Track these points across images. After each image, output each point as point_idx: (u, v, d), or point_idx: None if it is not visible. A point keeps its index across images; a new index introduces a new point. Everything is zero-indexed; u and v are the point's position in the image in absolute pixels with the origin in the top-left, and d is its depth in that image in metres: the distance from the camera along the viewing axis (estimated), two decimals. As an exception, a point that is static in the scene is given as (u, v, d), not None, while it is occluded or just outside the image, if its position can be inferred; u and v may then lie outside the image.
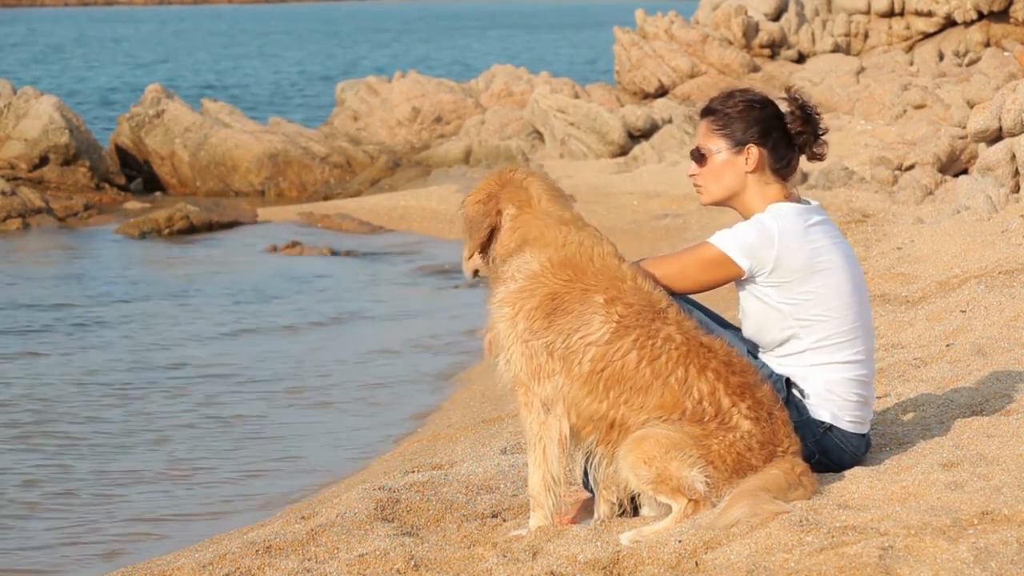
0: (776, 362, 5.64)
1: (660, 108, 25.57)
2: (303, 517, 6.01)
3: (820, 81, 25.96)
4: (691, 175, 5.77)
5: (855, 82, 25.66)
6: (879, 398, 6.75)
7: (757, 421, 5.27)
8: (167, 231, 19.84)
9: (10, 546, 8.07)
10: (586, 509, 5.61)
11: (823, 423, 5.61)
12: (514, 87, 28.45)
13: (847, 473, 5.52)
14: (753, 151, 5.64)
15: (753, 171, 5.65)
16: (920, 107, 22.38)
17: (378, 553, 5.29)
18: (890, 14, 30.22)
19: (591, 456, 5.36)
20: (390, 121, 27.53)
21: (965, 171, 16.11)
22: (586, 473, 5.49)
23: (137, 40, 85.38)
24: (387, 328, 14.14)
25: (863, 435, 5.71)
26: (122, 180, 24.49)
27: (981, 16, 29.32)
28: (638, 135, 23.91)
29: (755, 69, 28.58)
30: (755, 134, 5.64)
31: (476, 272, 5.60)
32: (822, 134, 5.72)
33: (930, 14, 29.81)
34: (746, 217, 5.66)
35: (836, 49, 29.88)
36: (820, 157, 5.73)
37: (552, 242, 5.41)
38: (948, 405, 6.51)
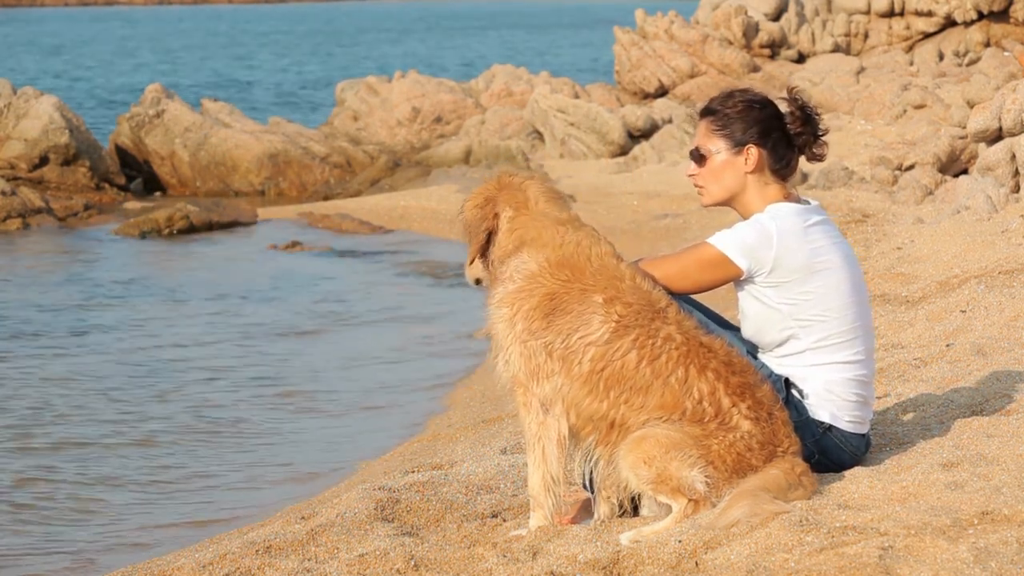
0: (776, 362, 5.64)
1: (660, 108, 25.58)
2: (303, 517, 6.01)
3: (820, 81, 25.97)
4: (691, 175, 5.77)
5: (855, 82, 25.66)
6: (879, 398, 6.75)
7: (757, 421, 5.27)
8: (167, 231, 19.84)
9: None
10: (586, 509, 5.61)
11: (823, 423, 5.61)
12: (514, 87, 28.46)
13: (847, 473, 5.52)
14: (753, 151, 5.64)
15: (753, 171, 5.65)
16: (920, 107, 22.38)
17: (378, 553, 5.29)
18: (890, 14, 30.23)
19: (591, 456, 5.36)
20: (390, 121, 27.54)
21: (965, 171, 16.11)
22: (586, 473, 5.49)
23: (137, 40, 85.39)
24: (387, 329, 14.14)
25: (863, 435, 5.71)
26: (122, 180, 24.49)
27: (981, 16, 29.33)
28: (638, 135, 23.91)
29: (755, 69, 28.58)
30: (755, 134, 5.64)
31: (479, 281, 5.61)
32: (822, 134, 5.72)
33: (930, 14, 29.82)
34: (746, 217, 5.66)
35: (836, 49, 29.89)
36: (820, 158, 5.73)
37: (549, 242, 5.41)
38: (948, 405, 6.51)
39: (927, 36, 30.01)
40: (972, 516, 4.88)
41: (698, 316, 5.60)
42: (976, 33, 29.29)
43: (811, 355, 5.60)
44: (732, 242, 5.54)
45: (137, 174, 25.43)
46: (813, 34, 30.02)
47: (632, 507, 5.47)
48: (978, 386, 6.74)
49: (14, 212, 20.41)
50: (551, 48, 74.10)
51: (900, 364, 7.69)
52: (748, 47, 29.24)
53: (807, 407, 5.61)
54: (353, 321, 14.48)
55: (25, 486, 9.19)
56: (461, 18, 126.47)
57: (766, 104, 5.69)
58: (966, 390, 6.70)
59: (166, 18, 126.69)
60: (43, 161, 23.50)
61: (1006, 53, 27.66)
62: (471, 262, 5.56)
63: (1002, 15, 29.27)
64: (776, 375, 5.60)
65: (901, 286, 10.01)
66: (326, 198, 23.43)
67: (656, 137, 23.37)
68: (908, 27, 30.13)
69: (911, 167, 17.22)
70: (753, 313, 5.62)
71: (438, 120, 27.46)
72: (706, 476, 5.18)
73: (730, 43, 28.99)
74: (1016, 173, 11.57)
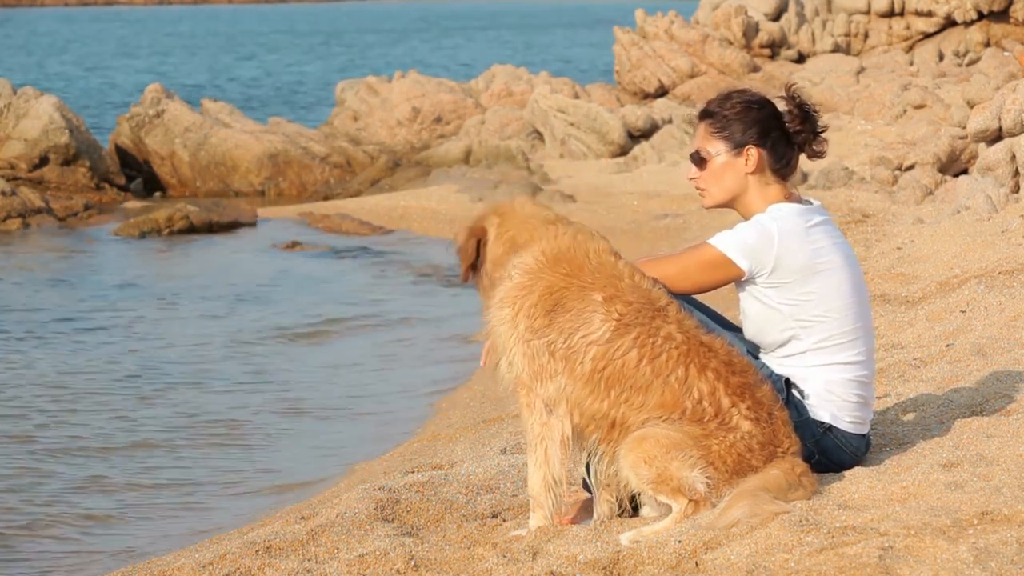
0: (776, 363, 5.64)
1: (660, 108, 25.58)
2: (303, 517, 6.01)
3: (820, 81, 25.97)
4: (692, 178, 5.77)
5: (855, 82, 25.66)
6: (879, 398, 6.75)
7: (757, 422, 5.27)
8: (167, 231, 19.83)
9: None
10: (586, 509, 5.60)
11: (823, 423, 5.61)
12: (514, 87, 28.46)
13: (847, 473, 5.53)
14: (752, 152, 5.64)
15: (753, 172, 5.65)
16: (920, 107, 22.39)
17: (378, 553, 5.29)
18: (890, 14, 30.24)
19: (593, 455, 5.36)
20: (390, 121, 27.54)
21: (965, 171, 16.12)
22: (587, 473, 5.49)
23: (137, 40, 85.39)
24: (386, 329, 14.13)
25: (863, 435, 5.71)
26: (122, 180, 24.48)
27: (981, 16, 29.33)
28: (638, 135, 23.92)
29: (755, 69, 28.59)
30: (754, 135, 5.64)
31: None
32: (821, 131, 5.72)
33: (930, 14, 29.82)
34: (747, 218, 5.65)
35: (836, 49, 29.89)
36: (820, 155, 5.72)
37: (544, 236, 5.41)
38: (948, 405, 6.51)
39: (927, 36, 30.01)
40: (972, 516, 4.88)
41: (699, 317, 5.59)
42: (976, 33, 29.30)
43: (812, 356, 5.60)
44: (733, 243, 5.54)
45: (137, 174, 25.43)
46: (813, 34, 30.02)
47: (632, 507, 5.47)
48: (978, 386, 6.74)
49: (14, 212, 20.41)
50: (551, 48, 74.10)
51: (900, 364, 7.69)
52: (748, 47, 29.24)
53: (807, 407, 5.61)
54: (352, 323, 14.47)
55: (22, 486, 9.18)
56: (461, 18, 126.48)
57: (764, 104, 5.68)
58: (966, 390, 6.70)
59: (166, 18, 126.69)
60: (43, 161, 23.50)
61: (1006, 53, 27.66)
62: (464, 278, 5.54)
63: (1002, 15, 29.27)
64: (777, 375, 5.60)
65: (901, 286, 10.01)
66: (326, 198, 23.43)
67: (656, 137, 23.37)
68: (908, 27, 30.14)
69: (911, 167, 17.22)
70: (754, 314, 5.62)
71: (438, 120, 27.46)
72: (706, 476, 5.19)
73: (730, 43, 29.00)
74: (1016, 173, 11.57)
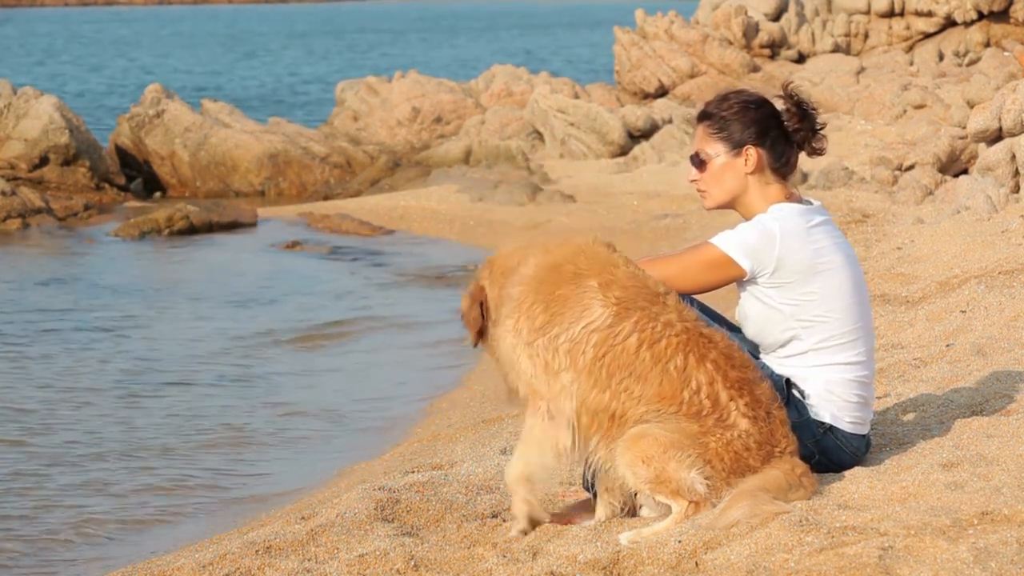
0: (777, 363, 5.64)
1: (660, 108, 25.58)
2: (303, 517, 6.01)
3: (820, 81, 25.97)
4: (692, 181, 5.77)
5: (855, 82, 25.66)
6: (879, 398, 6.75)
7: (755, 420, 5.26)
8: (167, 231, 19.83)
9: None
10: (586, 509, 5.60)
11: (823, 423, 5.61)
12: (514, 87, 28.46)
13: (847, 473, 5.53)
14: (751, 152, 5.64)
15: (753, 172, 5.65)
16: (920, 107, 22.39)
17: (378, 553, 5.29)
18: (890, 14, 30.24)
19: (594, 452, 5.34)
20: (390, 121, 27.54)
21: (965, 171, 16.12)
22: (587, 473, 5.49)
23: (137, 40, 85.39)
24: (386, 330, 14.13)
25: (863, 436, 5.71)
26: (122, 180, 24.49)
27: (981, 16, 29.33)
28: (638, 135, 23.92)
29: (755, 69, 28.59)
30: (752, 135, 5.64)
31: None
32: (820, 129, 5.72)
33: (930, 14, 29.83)
34: (748, 219, 5.65)
35: (836, 49, 29.90)
36: (820, 152, 5.72)
37: (538, 253, 5.40)
38: (948, 405, 6.51)
39: (927, 36, 30.02)
40: (972, 516, 4.88)
41: (700, 316, 5.60)
42: (976, 33, 29.30)
43: (813, 356, 5.60)
44: (735, 243, 5.54)
45: (137, 174, 25.43)
46: (813, 34, 30.03)
47: (634, 506, 5.46)
48: (978, 386, 6.74)
49: (14, 212, 20.41)
50: (551, 48, 74.10)
51: (900, 364, 7.69)
52: (748, 47, 29.24)
53: (808, 407, 5.61)
54: (352, 323, 14.47)
55: (18, 487, 9.17)
56: (461, 18, 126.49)
57: (762, 103, 5.68)
58: (966, 390, 6.70)
59: (166, 18, 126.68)
60: (43, 161, 23.50)
61: (1006, 53, 27.67)
62: (475, 344, 5.52)
63: (1002, 15, 29.27)
64: (777, 375, 5.60)
65: (901, 286, 10.01)
66: (326, 198, 23.43)
67: (656, 137, 23.37)
68: (908, 27, 30.14)
69: (911, 167, 17.22)
70: (755, 314, 5.62)
71: (438, 120, 27.46)
72: (705, 476, 5.18)
73: (730, 43, 29.00)
74: (1016, 173, 11.57)
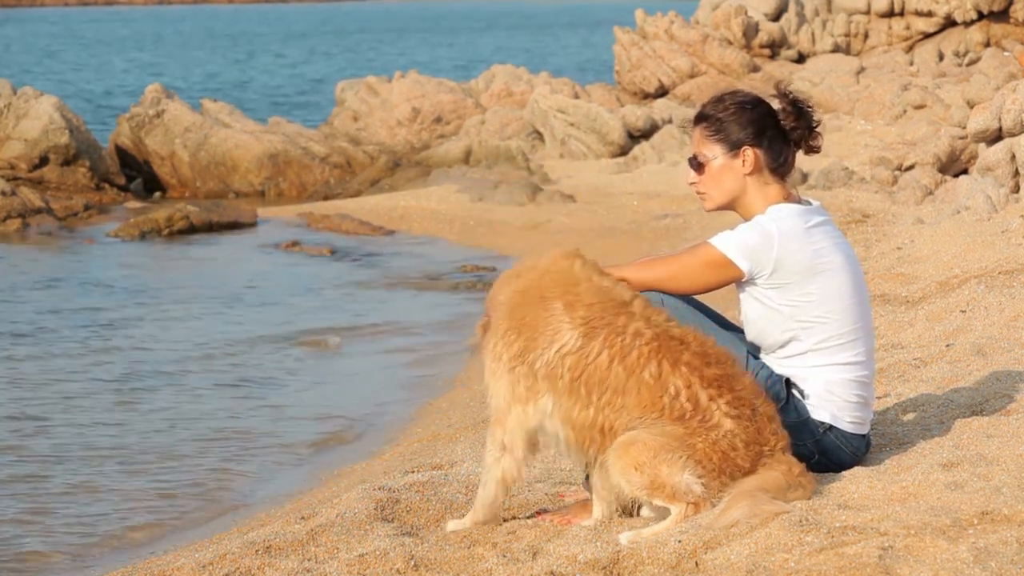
0: (777, 363, 5.64)
1: (660, 108, 25.58)
2: (303, 517, 6.00)
3: (820, 81, 25.98)
4: (692, 183, 5.77)
5: (855, 82, 25.67)
6: (879, 398, 6.76)
7: (739, 419, 5.24)
8: (167, 231, 19.83)
9: None
10: (586, 509, 5.60)
11: (823, 423, 5.61)
12: (514, 87, 28.46)
13: (847, 473, 5.53)
14: (749, 153, 5.64)
15: (751, 173, 5.65)
16: (920, 107, 22.39)
17: (378, 553, 5.29)
18: (890, 14, 30.24)
19: (592, 466, 5.35)
20: (390, 121, 27.54)
21: (965, 171, 16.12)
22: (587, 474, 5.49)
23: (137, 40, 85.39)
24: (386, 330, 14.13)
25: (863, 436, 5.71)
26: (122, 180, 24.49)
27: (981, 16, 29.34)
28: (638, 135, 23.92)
29: (755, 69, 28.59)
30: (749, 135, 5.64)
31: None
32: (816, 126, 5.72)
33: (930, 14, 29.83)
34: (748, 219, 5.65)
35: (836, 49, 29.90)
36: (816, 149, 5.73)
37: (511, 279, 5.49)
38: (948, 405, 6.51)
39: (927, 36, 30.02)
40: (972, 516, 4.88)
41: (699, 318, 5.60)
42: (976, 33, 29.30)
43: (813, 356, 5.60)
44: (734, 243, 5.54)
45: (137, 174, 25.43)
46: (813, 34, 30.03)
47: (630, 508, 5.47)
48: (978, 386, 6.74)
49: (14, 212, 20.41)
50: (551, 48, 74.10)
51: (900, 364, 7.69)
52: (748, 47, 29.24)
53: (808, 407, 5.61)
54: (352, 324, 14.46)
55: (18, 488, 9.16)
56: (461, 18, 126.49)
57: (757, 103, 5.69)
58: (966, 390, 6.70)
59: (166, 18, 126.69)
60: (43, 161, 23.50)
61: (1006, 53, 27.67)
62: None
63: (1002, 15, 29.28)
64: (777, 375, 5.61)
65: (901, 286, 10.01)
66: (326, 198, 23.43)
67: (656, 137, 23.37)
68: (908, 27, 30.14)
69: (911, 167, 17.22)
70: (755, 315, 5.62)
71: (438, 120, 27.46)
72: (698, 476, 5.17)
73: (730, 43, 29.00)
74: (1016, 173, 11.57)
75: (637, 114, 24.16)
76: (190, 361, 12.69)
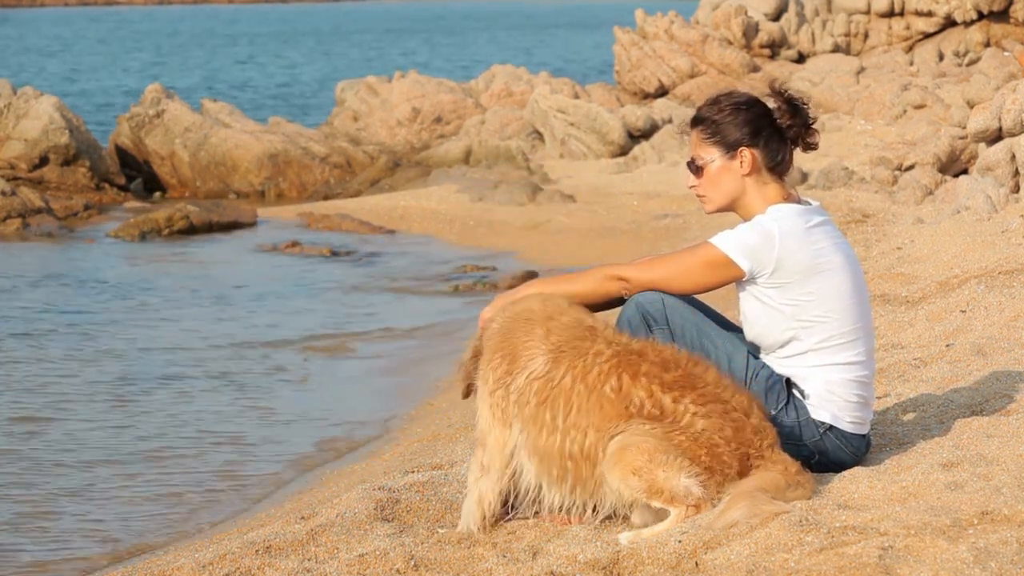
0: (777, 363, 5.64)
1: (660, 108, 25.59)
2: (303, 517, 6.00)
3: (820, 81, 25.98)
4: (691, 187, 5.78)
5: (855, 82, 25.67)
6: (879, 398, 6.76)
7: (709, 416, 5.23)
8: (167, 231, 19.83)
9: None
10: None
11: (823, 424, 5.61)
12: (514, 87, 28.46)
13: (847, 473, 5.52)
14: (746, 153, 5.65)
15: (749, 173, 5.65)
16: (920, 107, 22.39)
17: (378, 553, 5.29)
18: (890, 14, 30.24)
19: (573, 499, 5.34)
20: (390, 121, 27.54)
21: (965, 171, 16.12)
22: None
23: (137, 40, 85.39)
24: (385, 331, 14.12)
25: (863, 436, 5.71)
26: (122, 180, 24.49)
27: (981, 16, 29.33)
28: (638, 135, 23.92)
29: (755, 69, 28.59)
30: (745, 135, 5.65)
31: None
32: (812, 123, 5.72)
33: (930, 14, 29.83)
34: (748, 220, 5.66)
35: (836, 49, 29.90)
36: (814, 146, 5.73)
37: (505, 304, 5.53)
38: (948, 405, 6.51)
39: (927, 36, 30.02)
40: (972, 516, 4.88)
41: (699, 318, 5.60)
42: (976, 33, 29.30)
43: (813, 356, 5.60)
44: (734, 243, 5.54)
45: (137, 174, 25.43)
46: (813, 34, 30.03)
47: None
48: (978, 386, 6.74)
49: (14, 212, 20.41)
50: (551, 48, 74.10)
51: (900, 364, 7.69)
52: (748, 47, 29.24)
53: (808, 407, 5.61)
54: (352, 325, 14.46)
55: (17, 488, 9.16)
56: (461, 18, 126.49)
57: (752, 104, 5.69)
58: (966, 390, 6.70)
59: (166, 18, 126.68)
60: (43, 161, 23.51)
61: (1006, 53, 27.66)
62: (464, 395, 5.63)
63: (1002, 15, 29.27)
64: (777, 375, 5.61)
65: (901, 286, 10.01)
66: (326, 198, 23.43)
67: (656, 137, 23.37)
68: (908, 27, 30.14)
69: (911, 167, 17.23)
70: (755, 314, 5.62)
71: (438, 120, 27.46)
72: (696, 476, 5.17)
73: (730, 43, 29.00)
74: (1016, 173, 11.57)
75: (637, 114, 24.17)
76: (189, 362, 12.69)
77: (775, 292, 5.56)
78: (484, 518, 5.45)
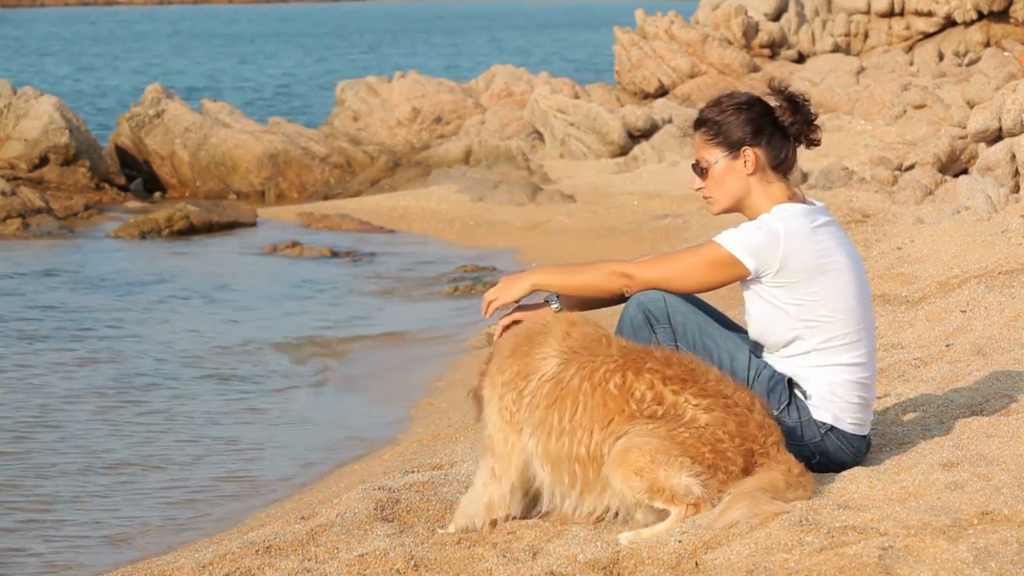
0: (780, 363, 5.64)
1: (660, 108, 25.58)
2: (303, 517, 6.00)
3: (820, 81, 25.98)
4: (697, 189, 5.78)
5: (855, 82, 25.67)
6: (879, 398, 6.76)
7: (711, 410, 5.24)
8: (167, 231, 19.83)
9: None
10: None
11: (824, 424, 5.61)
12: (514, 87, 28.46)
13: (847, 473, 5.53)
14: (749, 153, 5.65)
15: (753, 173, 5.66)
16: (920, 107, 22.39)
17: (378, 553, 5.29)
18: (890, 14, 30.24)
19: (582, 502, 5.36)
20: (390, 121, 27.54)
21: (965, 171, 16.12)
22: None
23: (137, 40, 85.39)
24: (384, 331, 14.13)
25: (864, 436, 5.71)
26: (122, 180, 24.49)
27: (981, 16, 29.33)
28: (638, 135, 23.92)
29: (755, 69, 28.59)
30: (748, 135, 5.65)
31: None
32: (813, 119, 5.72)
33: (930, 14, 29.83)
34: (753, 219, 5.66)
35: (836, 49, 29.90)
36: (816, 142, 5.73)
37: (514, 330, 5.58)
38: (948, 405, 6.51)
39: (927, 36, 30.02)
40: (972, 516, 4.88)
41: (701, 318, 5.61)
42: (976, 33, 29.30)
43: (816, 356, 5.60)
44: (740, 242, 5.54)
45: (137, 174, 25.43)
46: (813, 34, 30.02)
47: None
48: (978, 386, 6.74)
49: (14, 212, 20.41)
50: (551, 48, 74.10)
51: (900, 364, 7.69)
52: (748, 47, 29.24)
53: (810, 408, 5.61)
54: (350, 325, 14.46)
55: (17, 490, 9.16)
56: (461, 18, 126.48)
57: (754, 103, 5.69)
58: (966, 390, 6.70)
59: (166, 18, 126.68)
60: (43, 161, 23.51)
61: (1006, 53, 27.67)
62: (478, 418, 5.64)
63: (1002, 15, 29.27)
64: (779, 375, 5.61)
65: (901, 286, 10.01)
66: (326, 198, 23.43)
67: (656, 137, 23.37)
68: (908, 27, 30.14)
69: (911, 167, 17.22)
70: (759, 313, 5.62)
71: (438, 120, 27.47)
72: (696, 475, 5.16)
73: (730, 43, 29.00)
74: (1016, 173, 11.58)
75: (637, 114, 24.17)
76: (189, 363, 12.68)
77: (779, 291, 5.57)
78: (493, 523, 5.45)
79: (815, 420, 5.60)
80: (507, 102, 27.87)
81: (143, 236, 19.56)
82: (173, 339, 13.66)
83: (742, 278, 5.59)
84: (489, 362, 5.56)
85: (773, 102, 5.69)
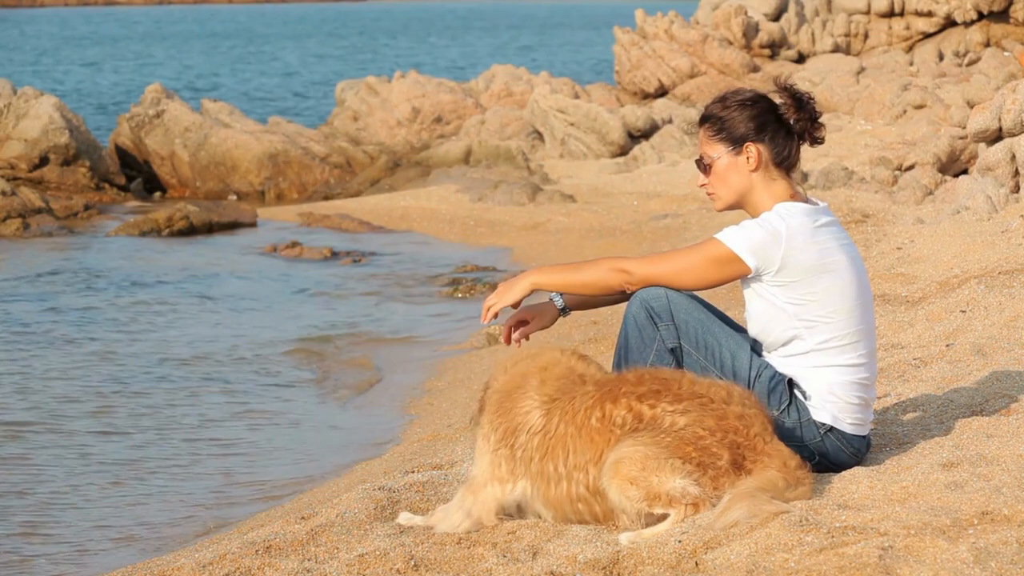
0: (779, 362, 5.64)
1: (660, 108, 25.59)
2: (303, 517, 6.00)
3: (820, 81, 25.98)
4: (701, 185, 5.78)
5: (855, 82, 25.67)
6: (879, 398, 6.76)
7: (688, 412, 5.24)
8: (167, 231, 19.83)
9: None
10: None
11: (824, 425, 5.61)
12: (514, 87, 28.46)
13: (847, 473, 5.52)
14: (752, 149, 5.65)
15: (756, 169, 5.65)
16: (920, 107, 22.39)
17: (378, 553, 5.29)
18: (890, 14, 30.24)
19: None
20: (390, 121, 27.54)
21: (965, 171, 16.12)
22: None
23: (137, 40, 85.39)
24: (384, 330, 14.13)
25: (864, 437, 5.71)
26: (122, 180, 24.50)
27: (981, 16, 29.34)
28: (638, 135, 23.92)
29: (755, 69, 28.59)
30: (751, 131, 5.65)
31: None
32: (818, 117, 5.72)
33: (930, 14, 29.83)
34: (755, 216, 5.66)
35: (836, 49, 29.90)
36: (820, 140, 5.73)
37: (505, 369, 5.60)
38: (948, 405, 6.51)
39: (927, 36, 30.02)
40: (972, 516, 4.88)
41: (703, 316, 5.60)
42: (976, 33, 29.30)
43: (815, 356, 5.60)
44: (741, 240, 5.54)
45: (137, 174, 25.44)
46: (813, 34, 30.03)
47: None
48: (978, 386, 6.74)
49: (14, 212, 20.41)
50: (551, 48, 74.09)
51: (900, 364, 7.69)
52: (748, 47, 29.25)
53: (809, 408, 5.61)
54: (349, 325, 14.46)
55: (16, 490, 9.16)
56: (461, 18, 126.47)
57: (758, 100, 5.69)
58: (966, 390, 6.70)
59: (166, 18, 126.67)
60: (43, 161, 23.51)
61: (1006, 53, 27.67)
62: None
63: (1002, 15, 29.28)
64: (779, 376, 5.60)
65: (901, 286, 10.01)
66: (326, 198, 23.43)
67: (656, 137, 23.37)
68: (908, 27, 30.14)
69: (911, 167, 17.22)
70: (758, 311, 5.62)
71: (438, 120, 27.46)
72: (689, 475, 5.16)
73: (730, 43, 29.00)
74: (1016, 173, 11.57)
75: (637, 114, 24.16)
76: (188, 363, 12.68)
77: (779, 290, 5.56)
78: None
79: (815, 421, 5.60)
80: (507, 102, 27.87)
81: (143, 236, 19.56)
82: (173, 339, 13.66)
83: (743, 276, 5.59)
84: (481, 411, 5.59)
85: (778, 99, 5.69)
